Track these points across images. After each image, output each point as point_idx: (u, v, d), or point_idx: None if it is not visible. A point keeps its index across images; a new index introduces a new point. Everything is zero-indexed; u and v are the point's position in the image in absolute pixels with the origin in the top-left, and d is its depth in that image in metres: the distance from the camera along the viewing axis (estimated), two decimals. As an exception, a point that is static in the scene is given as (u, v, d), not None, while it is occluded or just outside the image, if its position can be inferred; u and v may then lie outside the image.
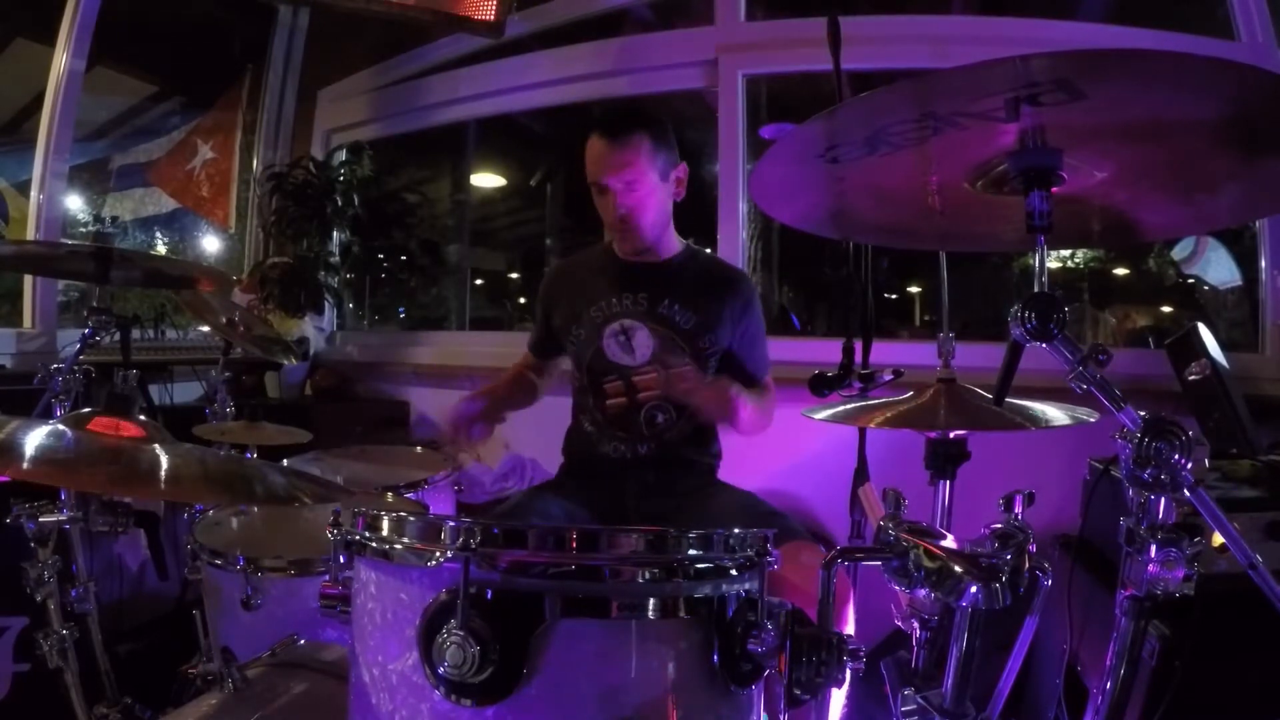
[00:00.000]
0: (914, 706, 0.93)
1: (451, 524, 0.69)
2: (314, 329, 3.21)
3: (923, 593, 0.80)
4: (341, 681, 0.99)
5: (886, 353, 1.76)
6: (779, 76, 2.76)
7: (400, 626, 0.72)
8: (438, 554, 0.70)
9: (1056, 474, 1.69)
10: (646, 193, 1.60)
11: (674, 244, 1.74)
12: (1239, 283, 2.46)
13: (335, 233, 3.19)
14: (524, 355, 1.94)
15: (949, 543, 0.82)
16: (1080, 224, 1.07)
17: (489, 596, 0.68)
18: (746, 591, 0.75)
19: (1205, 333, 1.80)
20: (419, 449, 2.36)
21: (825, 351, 1.70)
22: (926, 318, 3.13)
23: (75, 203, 2.92)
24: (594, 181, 1.62)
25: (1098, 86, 0.71)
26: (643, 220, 1.62)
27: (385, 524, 0.75)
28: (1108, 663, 0.88)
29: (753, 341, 1.76)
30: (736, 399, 1.56)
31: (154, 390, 2.67)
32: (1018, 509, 0.85)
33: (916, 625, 1.03)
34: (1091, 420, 1.14)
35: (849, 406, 1.31)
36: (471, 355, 3.07)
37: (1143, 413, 0.80)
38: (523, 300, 4.00)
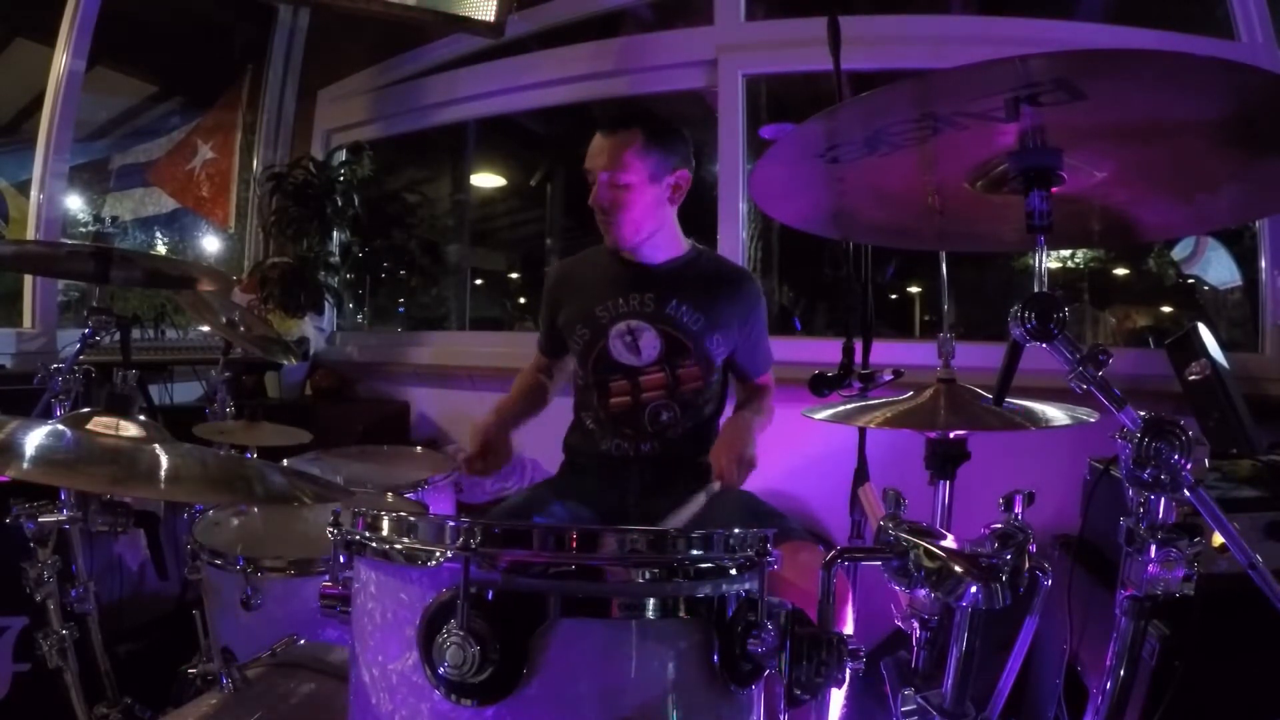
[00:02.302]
0: (914, 706, 0.93)
1: (451, 524, 0.69)
2: (314, 329, 3.21)
3: (923, 593, 0.81)
4: (341, 681, 0.99)
5: (886, 353, 1.76)
6: (779, 76, 2.76)
7: (400, 626, 0.72)
8: (438, 554, 0.70)
9: (1056, 474, 1.69)
10: (630, 189, 1.58)
11: (679, 245, 1.73)
12: (1239, 283, 2.46)
13: (335, 233, 3.19)
14: (535, 357, 1.93)
15: (949, 543, 0.82)
16: (1080, 224, 1.07)
17: (489, 596, 0.68)
18: (746, 591, 0.75)
19: (1205, 333, 1.80)
20: (419, 449, 2.37)
21: (825, 351, 1.70)
22: (926, 318, 3.13)
23: (75, 203, 2.92)
24: (587, 171, 1.63)
25: (1098, 86, 0.71)
26: (622, 216, 1.60)
27: (385, 524, 0.75)
28: (1108, 663, 0.88)
29: (756, 341, 1.76)
30: (755, 443, 1.57)
31: (154, 390, 2.67)
32: (1018, 509, 0.85)
33: (916, 625, 1.03)
34: (1091, 420, 1.14)
35: (849, 406, 1.31)
36: (471, 355, 3.07)
37: (1143, 413, 0.80)
38: (523, 300, 4.01)
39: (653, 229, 1.66)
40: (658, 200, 1.63)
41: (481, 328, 3.74)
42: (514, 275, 4.16)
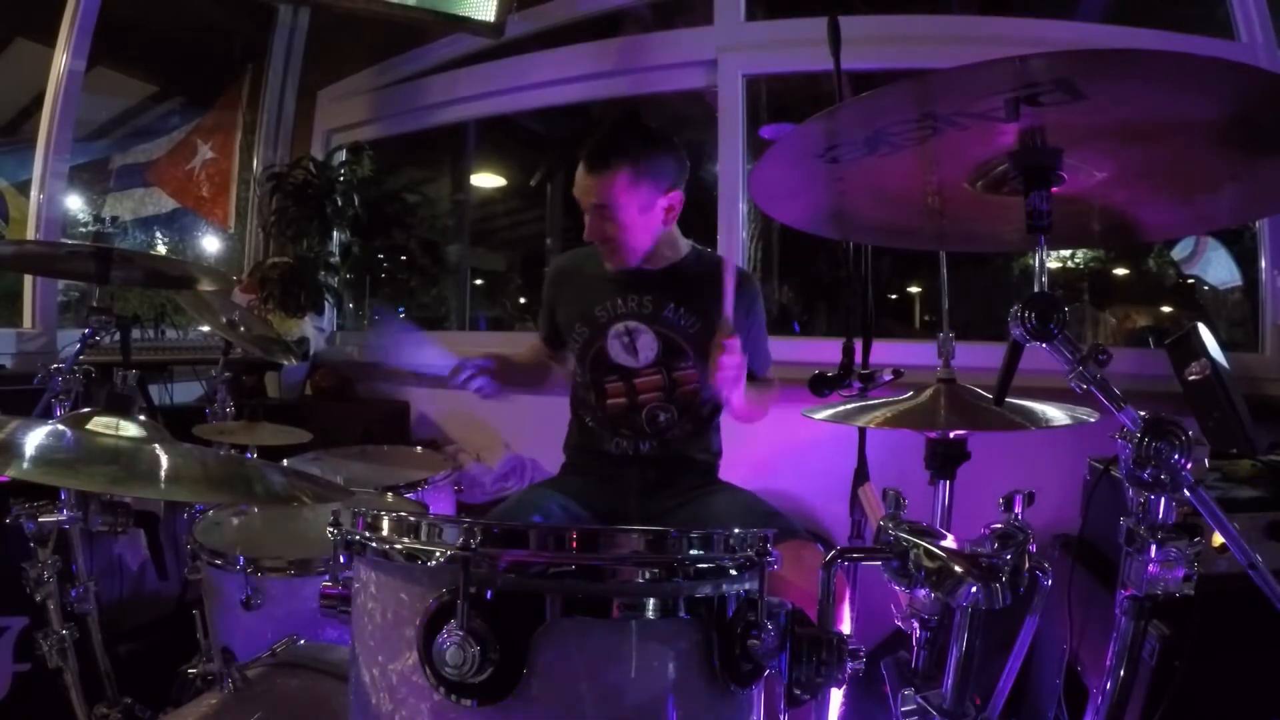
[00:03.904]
0: (914, 706, 0.93)
1: (451, 524, 0.69)
2: (314, 329, 3.21)
3: (923, 593, 0.81)
4: (341, 681, 0.99)
5: (886, 353, 1.76)
6: (779, 76, 2.76)
7: (400, 626, 0.72)
8: (438, 554, 0.70)
9: (1056, 474, 1.69)
10: (621, 222, 1.57)
11: (679, 248, 1.73)
12: (1239, 283, 2.46)
13: (335, 233, 3.19)
14: (537, 344, 1.93)
15: (949, 543, 0.82)
16: (1080, 224, 1.07)
17: (489, 596, 0.68)
18: (746, 591, 0.75)
19: (1205, 333, 1.80)
20: (419, 449, 2.37)
21: (825, 351, 1.70)
22: (926, 318, 3.13)
23: (75, 203, 2.91)
24: (578, 200, 1.62)
25: (1098, 86, 0.71)
26: (618, 247, 1.61)
27: (385, 524, 0.75)
28: (1108, 663, 0.88)
29: (756, 341, 1.76)
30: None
31: (154, 390, 2.67)
32: (1018, 509, 0.85)
33: (916, 625, 1.03)
34: (1091, 420, 1.14)
35: (849, 406, 1.31)
36: (471, 355, 3.05)
37: (1143, 413, 0.80)
38: (523, 300, 4.01)
39: (650, 247, 1.66)
40: (651, 225, 1.62)
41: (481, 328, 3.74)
42: (514, 275, 4.16)
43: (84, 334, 1.47)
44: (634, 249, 1.63)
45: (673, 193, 1.62)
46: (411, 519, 0.74)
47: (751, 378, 1.78)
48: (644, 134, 1.59)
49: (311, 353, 3.18)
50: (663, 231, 1.66)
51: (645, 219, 1.60)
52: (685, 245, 1.75)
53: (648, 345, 1.68)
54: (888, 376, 1.51)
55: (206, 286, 1.80)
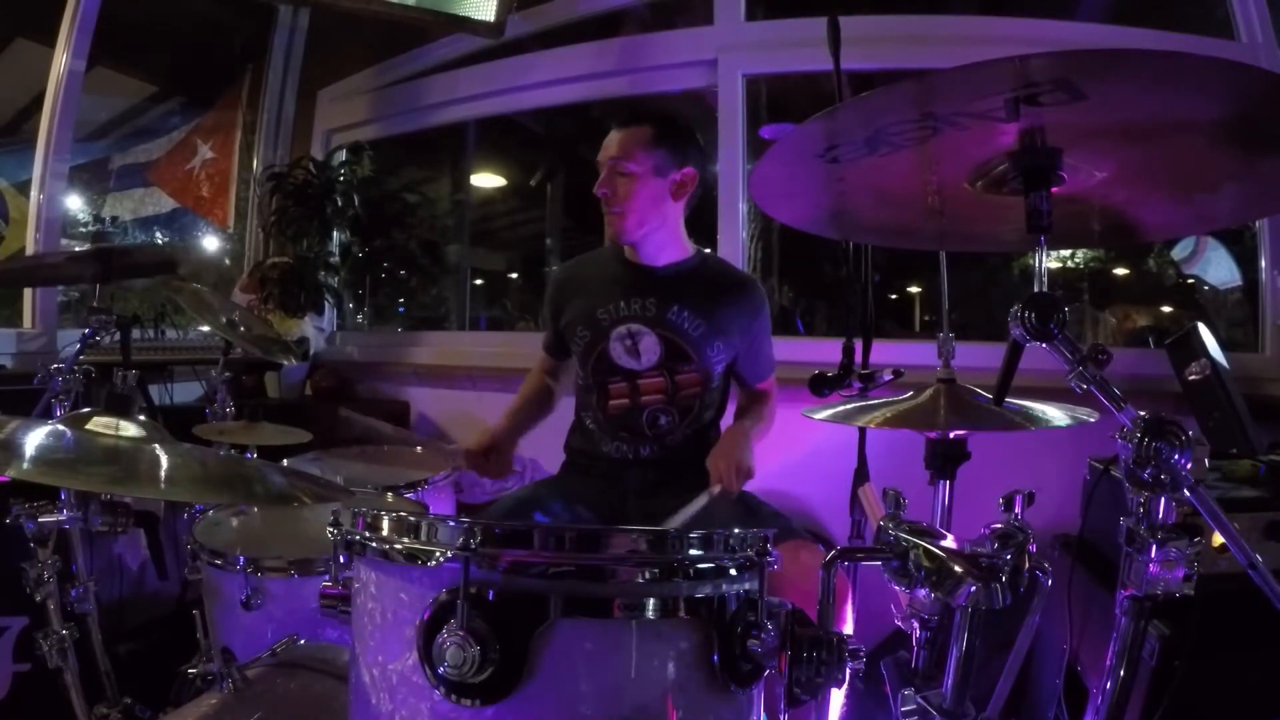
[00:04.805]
0: (914, 706, 0.93)
1: (451, 524, 0.69)
2: (314, 329, 3.21)
3: (923, 593, 0.80)
4: (341, 681, 0.99)
5: (886, 353, 1.76)
6: (779, 76, 2.76)
7: (400, 626, 0.72)
8: (438, 554, 0.70)
9: (1056, 474, 1.69)
10: (634, 179, 1.60)
11: (683, 249, 1.73)
12: (1239, 283, 2.46)
13: (335, 233, 3.19)
14: (541, 359, 1.93)
15: (949, 543, 0.82)
16: (1080, 224, 1.07)
17: (489, 596, 0.68)
18: (746, 591, 0.75)
19: (1205, 333, 1.80)
20: (419, 449, 2.37)
21: (825, 351, 1.70)
22: (926, 318, 3.13)
23: (75, 203, 2.92)
24: (598, 164, 1.66)
25: (1098, 86, 0.71)
26: (624, 206, 1.61)
27: (385, 524, 0.75)
28: (1108, 663, 0.88)
29: (759, 348, 1.76)
30: (752, 451, 1.57)
31: (154, 390, 2.67)
32: (1018, 509, 0.85)
33: (916, 625, 1.03)
34: (1091, 420, 1.14)
35: (849, 406, 1.31)
36: (471, 355, 3.07)
37: (1143, 413, 0.80)
38: (523, 300, 4.01)
39: (655, 224, 1.66)
40: (661, 194, 1.63)
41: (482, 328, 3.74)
42: (514, 275, 4.16)
43: (84, 334, 1.47)
44: (640, 215, 1.63)
45: (686, 168, 1.65)
46: (411, 519, 0.74)
47: (754, 397, 1.79)
48: (672, 114, 1.70)
49: (311, 353, 3.18)
50: (670, 209, 1.67)
51: (657, 184, 1.62)
52: (691, 248, 1.75)
53: (650, 348, 1.67)
54: (888, 376, 1.51)
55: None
